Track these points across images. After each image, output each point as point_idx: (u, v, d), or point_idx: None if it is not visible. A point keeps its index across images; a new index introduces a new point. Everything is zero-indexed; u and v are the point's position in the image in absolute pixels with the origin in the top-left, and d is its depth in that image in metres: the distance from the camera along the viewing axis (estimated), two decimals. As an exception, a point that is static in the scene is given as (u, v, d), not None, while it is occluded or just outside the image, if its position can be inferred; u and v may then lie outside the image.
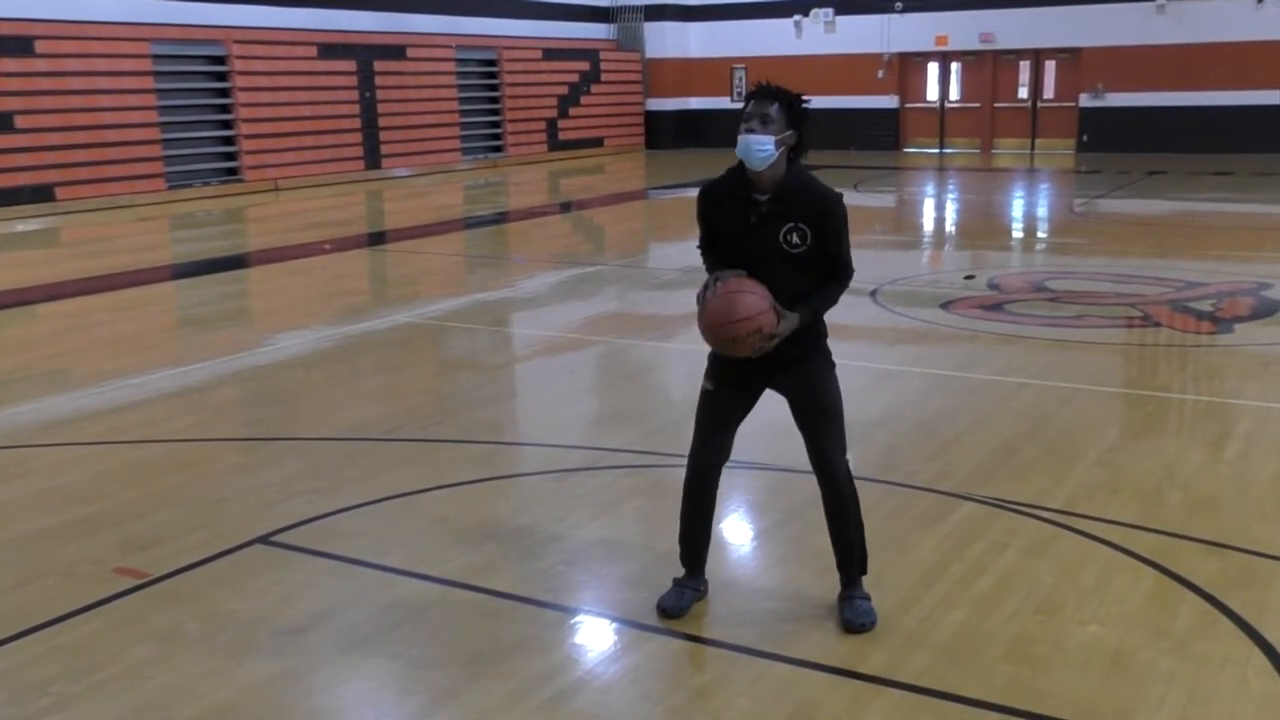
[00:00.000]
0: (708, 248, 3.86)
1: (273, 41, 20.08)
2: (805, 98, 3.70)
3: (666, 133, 29.22)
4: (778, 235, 3.65)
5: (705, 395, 3.91)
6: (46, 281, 11.46)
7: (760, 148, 3.59)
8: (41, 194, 16.64)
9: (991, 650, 3.66)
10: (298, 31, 20.56)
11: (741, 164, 3.68)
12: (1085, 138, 25.61)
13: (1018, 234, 15.21)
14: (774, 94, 3.65)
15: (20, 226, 15.57)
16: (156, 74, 18.32)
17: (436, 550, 4.51)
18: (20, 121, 16.42)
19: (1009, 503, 4.91)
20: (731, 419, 3.89)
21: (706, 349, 3.90)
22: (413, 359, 8.24)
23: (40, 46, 16.75)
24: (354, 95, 21.47)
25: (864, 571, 3.93)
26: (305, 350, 8.30)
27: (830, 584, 3.97)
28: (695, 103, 29.42)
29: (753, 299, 3.58)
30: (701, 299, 3.67)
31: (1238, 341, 7.98)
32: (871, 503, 4.24)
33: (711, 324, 3.63)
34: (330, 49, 20.96)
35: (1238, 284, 9.96)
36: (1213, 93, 23.98)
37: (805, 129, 3.65)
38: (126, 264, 12.42)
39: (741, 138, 3.61)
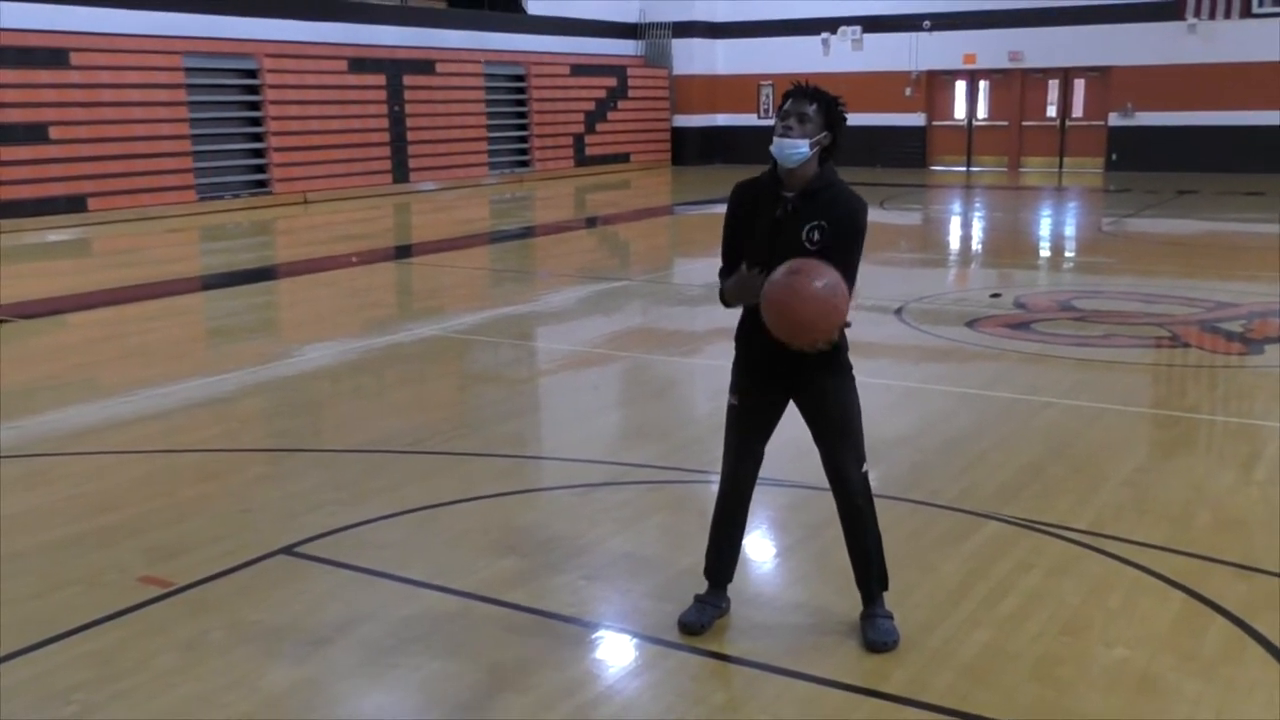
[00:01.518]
0: (727, 261, 3.83)
1: (303, 55, 20.24)
2: (842, 101, 3.71)
3: (693, 149, 29.26)
4: (800, 232, 3.65)
5: (731, 411, 3.90)
6: (77, 291, 11.56)
7: (795, 149, 3.62)
8: (74, 204, 16.82)
9: (1016, 671, 3.63)
10: (328, 46, 20.72)
11: (775, 165, 3.69)
12: (1114, 157, 25.49)
13: (1045, 253, 15.14)
14: (811, 94, 3.67)
15: (53, 236, 15.73)
16: (189, 86, 18.50)
17: (459, 563, 4.51)
18: (54, 133, 16.61)
19: (1034, 522, 4.88)
20: (759, 432, 3.89)
21: (729, 363, 3.90)
22: (438, 372, 8.27)
23: (75, 59, 16.94)
24: (383, 109, 21.61)
25: (884, 588, 3.91)
26: (331, 362, 8.34)
27: (852, 602, 3.95)
28: (722, 119, 29.46)
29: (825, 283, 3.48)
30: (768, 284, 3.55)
31: (1268, 363, 7.91)
32: (895, 521, 4.22)
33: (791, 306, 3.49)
34: (360, 63, 21.11)
35: (1268, 305, 9.87)
36: (1243, 112, 23.83)
37: (840, 131, 3.67)
38: (156, 274, 12.53)
39: (777, 138, 3.63)
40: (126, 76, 17.61)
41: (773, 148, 3.65)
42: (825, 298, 3.44)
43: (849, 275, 3.64)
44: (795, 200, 3.68)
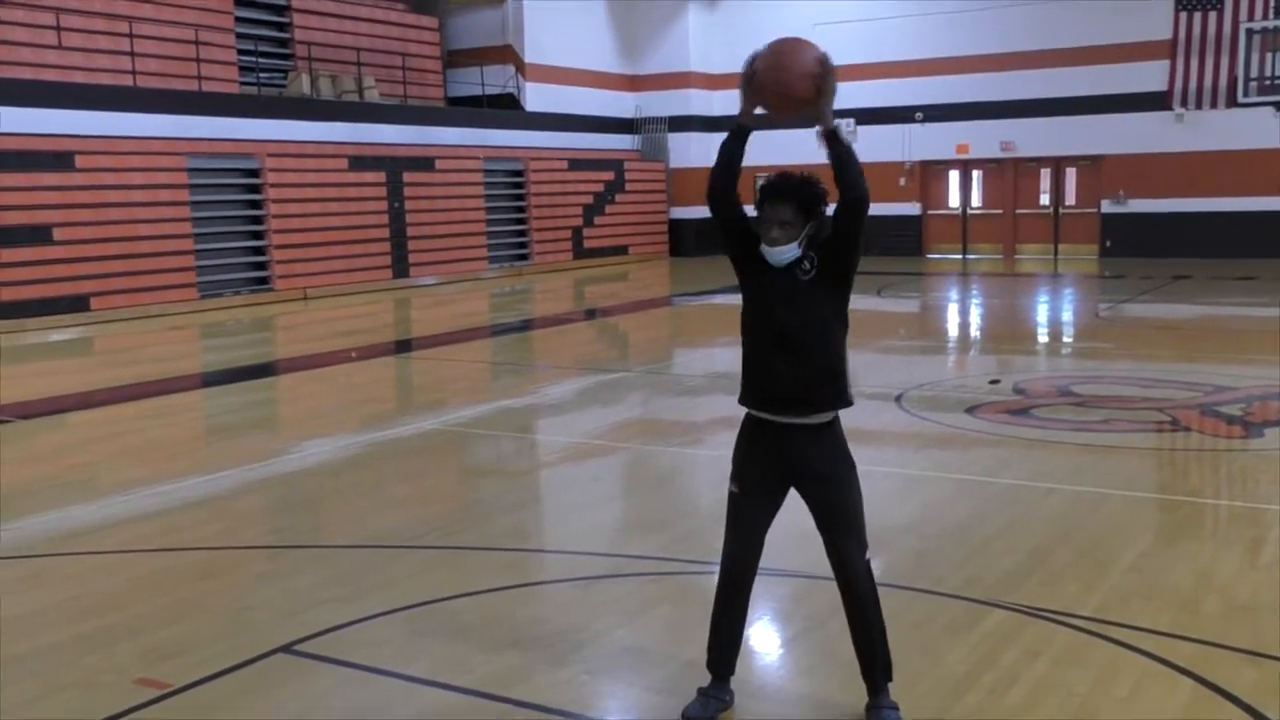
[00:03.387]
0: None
1: (304, 155, 20.54)
2: (816, 181, 3.76)
3: (690, 241, 29.53)
4: (794, 271, 3.74)
5: (732, 498, 3.89)
6: (78, 390, 11.59)
7: (785, 255, 3.72)
8: (77, 304, 16.93)
9: (1026, 763, 3.57)
10: (329, 144, 21.03)
11: None
12: (1108, 243, 25.72)
13: (1043, 338, 15.21)
14: (786, 194, 3.72)
15: (55, 336, 15.81)
16: (191, 186, 18.73)
17: (460, 659, 4.46)
18: (58, 234, 16.77)
19: (1040, 610, 4.83)
20: (760, 520, 3.87)
21: (730, 453, 3.90)
22: (437, 466, 8.25)
23: (80, 161, 17.19)
24: (383, 205, 21.85)
25: (889, 679, 3.86)
26: (331, 457, 8.33)
27: (857, 694, 3.90)
28: (719, 211, 29.74)
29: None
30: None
31: (1269, 446, 7.90)
32: (899, 609, 4.19)
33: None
34: (360, 160, 21.41)
35: (1267, 388, 9.88)
36: (1233, 198, 24.11)
37: (821, 213, 3.73)
38: (157, 373, 12.56)
39: (765, 249, 3.70)
40: (130, 178, 17.85)
41: (765, 254, 3.73)
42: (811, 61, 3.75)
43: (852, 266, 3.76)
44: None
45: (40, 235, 16.58)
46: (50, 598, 5.34)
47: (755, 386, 3.78)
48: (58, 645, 4.71)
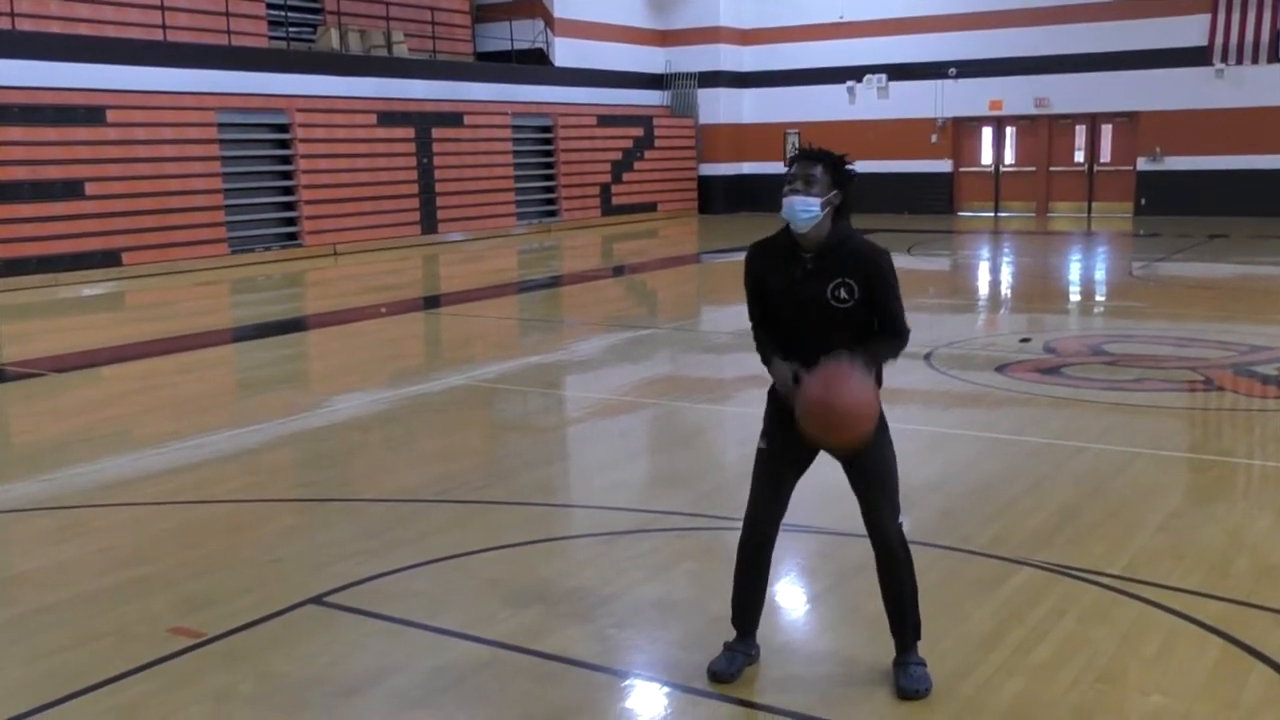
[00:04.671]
0: (759, 319, 3.85)
1: (334, 110, 20.52)
2: (848, 158, 3.72)
3: (719, 197, 29.40)
4: (825, 290, 3.65)
5: (760, 455, 3.88)
6: (110, 344, 11.69)
7: (805, 208, 3.61)
8: (109, 259, 17.04)
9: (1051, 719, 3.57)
10: (358, 100, 21.00)
11: (788, 226, 3.70)
12: (1143, 201, 25.41)
13: (1075, 297, 15.07)
14: (817, 156, 3.68)
15: (87, 290, 15.94)
16: (221, 141, 18.77)
17: (487, 612, 4.50)
18: (90, 189, 16.86)
19: (1068, 568, 4.82)
20: (787, 479, 3.87)
21: (759, 411, 3.89)
22: (466, 421, 8.29)
23: (111, 116, 17.24)
24: (412, 161, 21.84)
25: (918, 637, 3.86)
26: (360, 412, 8.38)
27: (884, 649, 3.91)
28: (748, 168, 29.60)
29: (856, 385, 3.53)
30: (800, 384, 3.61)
31: (1303, 405, 7.81)
32: (926, 567, 4.18)
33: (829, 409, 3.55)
34: (389, 116, 21.38)
35: (1302, 347, 9.76)
36: (1273, 156, 23.74)
37: (849, 189, 3.67)
38: (188, 327, 12.65)
39: (786, 199, 3.63)
40: (161, 133, 17.89)
41: (783, 210, 3.66)
42: (859, 404, 3.50)
43: (897, 319, 3.69)
44: (813, 260, 3.68)
45: (72, 190, 16.67)
46: (84, 548, 5.42)
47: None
48: (92, 594, 4.78)
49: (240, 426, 7.87)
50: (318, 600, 4.64)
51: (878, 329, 3.71)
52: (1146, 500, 5.79)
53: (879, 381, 3.72)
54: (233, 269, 18.23)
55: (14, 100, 16.09)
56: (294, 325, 13.19)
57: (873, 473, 3.77)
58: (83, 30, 17.95)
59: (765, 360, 3.81)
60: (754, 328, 3.90)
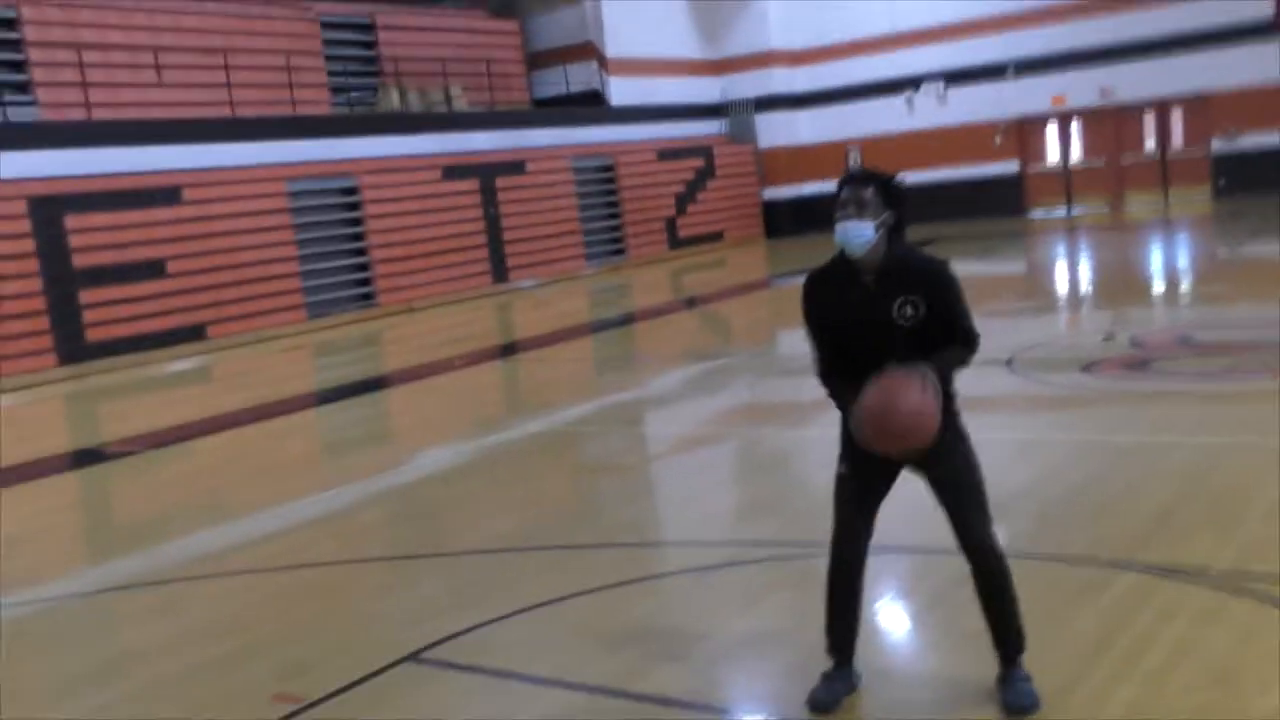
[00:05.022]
0: (827, 365, 3.80)
1: (399, 169, 20.88)
2: (899, 177, 3.67)
3: (784, 220, 29.29)
4: (891, 310, 3.61)
5: (840, 480, 3.84)
6: (201, 417, 11.95)
7: (859, 234, 3.59)
8: (194, 333, 17.45)
9: (1167, 728, 3.46)
10: (422, 158, 21.34)
11: (842, 251, 3.66)
12: (1221, 183, 24.80)
13: (1157, 288, 14.73)
14: (867, 178, 3.65)
15: (176, 366, 16.34)
16: (293, 210, 19.18)
17: (584, 657, 4.49)
18: (172, 267, 17.32)
19: (1173, 569, 4.68)
20: (870, 502, 3.81)
21: (838, 432, 3.84)
22: (550, 466, 8.31)
23: (187, 194, 17.71)
24: (478, 213, 22.10)
25: (1022, 650, 3.77)
26: (444, 465, 8.45)
27: (986, 667, 3.82)
28: (810, 188, 29.42)
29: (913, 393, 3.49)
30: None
31: (1407, 380, 7.53)
32: (1024, 577, 4.08)
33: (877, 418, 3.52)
34: (453, 170, 21.69)
35: (1401, 320, 9.43)
36: (1355, 125, 23.05)
37: (903, 208, 3.63)
38: (273, 395, 12.89)
39: (839, 225, 3.60)
40: (236, 206, 18.33)
41: (836, 236, 3.63)
42: (914, 412, 3.45)
43: (968, 329, 3.64)
44: (874, 281, 3.64)
45: (155, 269, 17.13)
46: (186, 621, 5.52)
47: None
48: (196, 667, 4.86)
49: (328, 489, 7.98)
50: (414, 657, 4.67)
51: (945, 340, 3.65)
52: (1247, 492, 5.61)
53: (948, 391, 3.66)
54: (312, 333, 18.58)
55: (96, 188, 16.61)
56: (375, 384, 13.38)
57: (958, 485, 3.70)
58: (156, 114, 18.51)
59: (842, 406, 3.75)
60: (823, 377, 3.82)
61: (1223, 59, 24.04)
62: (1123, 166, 26.23)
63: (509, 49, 25.87)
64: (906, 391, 3.46)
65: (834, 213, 3.63)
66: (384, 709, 4.24)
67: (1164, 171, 25.84)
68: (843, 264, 3.71)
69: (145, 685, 4.72)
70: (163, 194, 17.43)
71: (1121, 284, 15.45)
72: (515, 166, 22.95)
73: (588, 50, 26.49)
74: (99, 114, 17.83)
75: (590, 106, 26.04)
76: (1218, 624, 4.14)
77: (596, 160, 25.17)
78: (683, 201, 26.96)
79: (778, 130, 29.26)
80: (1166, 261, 17.29)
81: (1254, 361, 8.60)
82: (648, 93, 27.11)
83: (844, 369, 3.75)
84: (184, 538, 7.12)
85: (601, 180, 25.43)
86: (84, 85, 17.76)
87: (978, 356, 3.74)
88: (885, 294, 3.63)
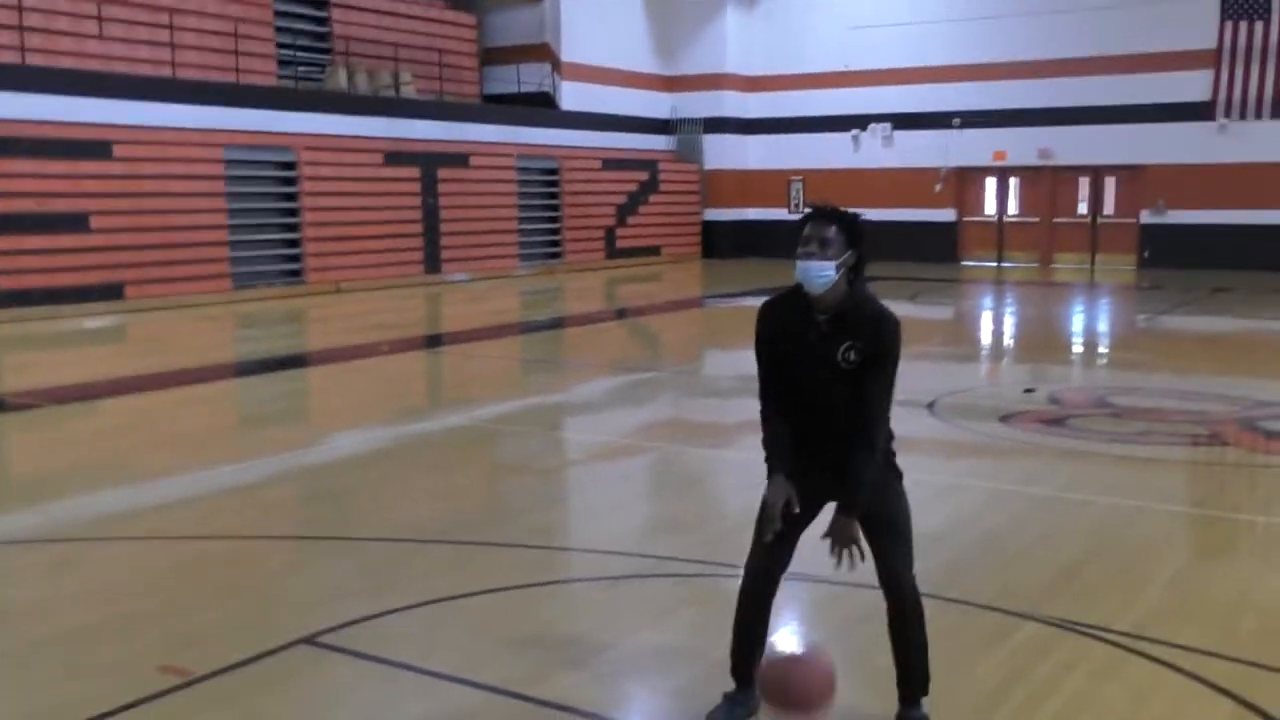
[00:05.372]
0: (774, 407, 3.76)
1: (340, 149, 20.61)
2: (861, 216, 3.66)
3: (724, 242, 29.45)
4: (836, 353, 3.61)
5: (765, 504, 3.82)
6: (111, 377, 11.64)
7: (821, 273, 3.57)
8: (112, 292, 17.03)
9: (1059, 779, 3.49)
10: (365, 139, 21.09)
11: (800, 285, 3.65)
12: (1147, 254, 25.44)
13: (1079, 348, 15.03)
14: (831, 216, 3.63)
15: (90, 323, 15.92)
16: (228, 178, 18.83)
17: (482, 656, 4.42)
18: (95, 222, 16.89)
19: (1075, 624, 4.73)
20: (793, 529, 3.80)
21: (761, 457, 3.83)
22: (466, 461, 8.22)
23: (118, 150, 17.29)
24: (416, 201, 21.90)
25: (925, 692, 3.79)
26: (360, 450, 8.31)
27: (887, 703, 3.82)
28: (752, 213, 29.66)
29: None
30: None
31: (1310, 462, 7.75)
32: (931, 619, 4.09)
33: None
34: (396, 156, 21.46)
35: (1308, 403, 9.71)
36: (1277, 211, 23.78)
37: (864, 248, 3.62)
38: (189, 362, 12.61)
39: (801, 263, 3.58)
40: (168, 168, 17.95)
41: (797, 273, 3.61)
42: (811, 697, 3.33)
43: (886, 396, 3.65)
44: (827, 323, 3.63)
45: (78, 223, 16.69)
46: (79, 582, 5.34)
47: (795, 412, 3.72)
48: (84, 630, 4.71)
49: (239, 462, 7.81)
50: (310, 640, 4.56)
51: (855, 410, 3.64)
52: (1154, 556, 5.72)
53: (888, 442, 3.72)
54: (235, 304, 18.22)
55: (22, 133, 16.14)
56: (295, 361, 13.15)
57: (891, 522, 3.72)
58: (92, 65, 18.06)
59: (769, 467, 3.72)
60: (764, 417, 3.78)
61: (1159, 134, 24.72)
62: (1055, 226, 26.80)
63: (464, 41, 25.70)
64: (807, 677, 3.35)
65: (796, 248, 3.60)
66: (273, 689, 4.13)
67: (1093, 235, 26.45)
68: (801, 297, 3.68)
69: (26, 644, 4.56)
70: (92, 147, 16.99)
71: (1044, 340, 15.74)
72: (459, 159, 22.79)
73: (543, 51, 26.42)
74: (33, 60, 17.34)
75: (540, 108, 25.94)
76: (1114, 681, 4.19)
77: (541, 162, 25.08)
78: (624, 212, 26.98)
79: (724, 153, 29.42)
80: (1088, 323, 17.66)
81: (1167, 430, 8.80)
82: (598, 101, 27.09)
83: (783, 395, 3.73)
84: (83, 496, 6.92)
85: (544, 183, 25.35)
86: (20, 29, 17.26)
87: (902, 399, 3.73)
88: (835, 335, 3.62)
